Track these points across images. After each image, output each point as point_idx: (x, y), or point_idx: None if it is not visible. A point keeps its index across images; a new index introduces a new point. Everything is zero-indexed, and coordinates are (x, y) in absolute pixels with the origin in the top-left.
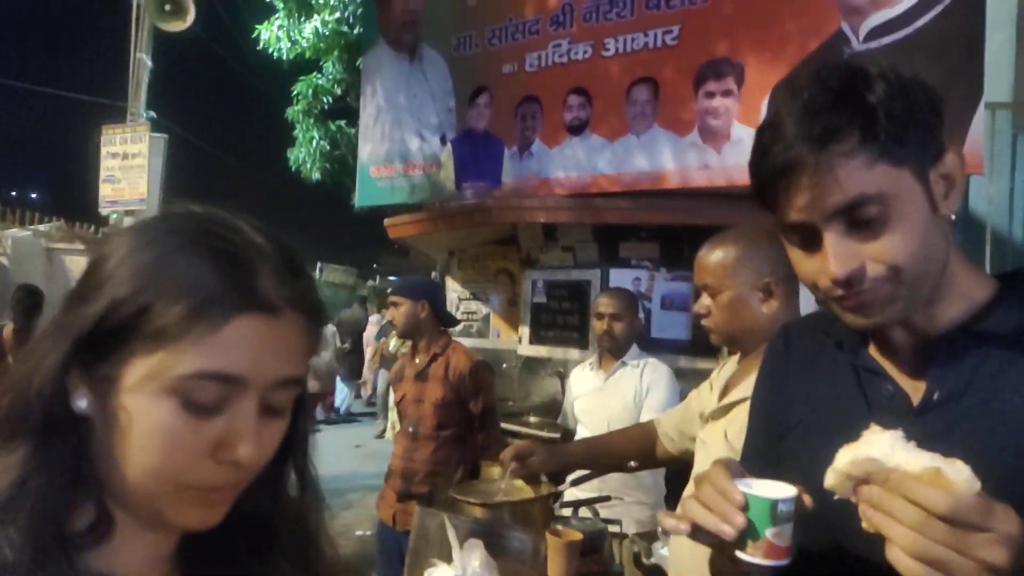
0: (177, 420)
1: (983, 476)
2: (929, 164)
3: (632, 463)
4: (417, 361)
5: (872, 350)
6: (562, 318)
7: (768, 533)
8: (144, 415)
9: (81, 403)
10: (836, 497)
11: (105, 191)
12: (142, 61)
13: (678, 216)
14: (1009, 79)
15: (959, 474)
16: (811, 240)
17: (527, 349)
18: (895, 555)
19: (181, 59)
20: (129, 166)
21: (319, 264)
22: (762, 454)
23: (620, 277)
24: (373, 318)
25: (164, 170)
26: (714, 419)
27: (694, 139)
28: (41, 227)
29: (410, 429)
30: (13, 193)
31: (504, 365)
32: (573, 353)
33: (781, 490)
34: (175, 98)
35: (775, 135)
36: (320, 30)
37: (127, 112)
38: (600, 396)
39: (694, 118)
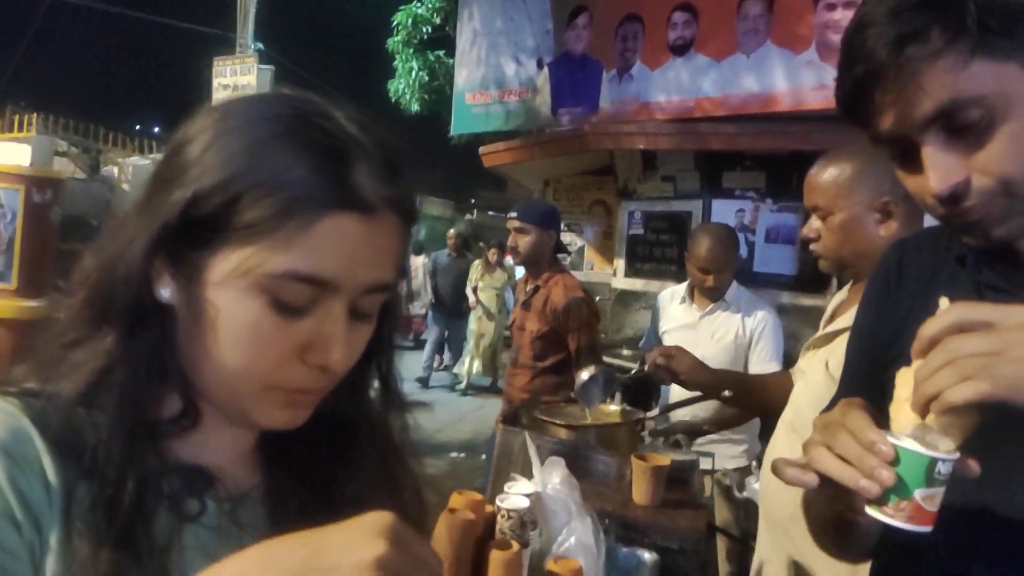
0: (265, 319)
1: None
2: None
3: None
4: (528, 288)
5: (998, 266)
6: (659, 251)
7: (918, 495)
8: (232, 311)
9: (164, 292)
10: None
11: None
12: None
13: (788, 142)
14: None
15: None
16: (911, 155)
17: (621, 282)
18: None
19: None
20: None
21: (417, 197)
22: (865, 384)
23: (723, 208)
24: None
25: None
26: (815, 347)
27: (811, 56)
28: (160, 156)
29: (513, 356)
30: (137, 127)
31: (597, 298)
32: (670, 287)
33: (939, 445)
34: (281, 30)
35: (856, 42)
36: None
37: (236, 44)
38: (692, 334)
39: (812, 33)
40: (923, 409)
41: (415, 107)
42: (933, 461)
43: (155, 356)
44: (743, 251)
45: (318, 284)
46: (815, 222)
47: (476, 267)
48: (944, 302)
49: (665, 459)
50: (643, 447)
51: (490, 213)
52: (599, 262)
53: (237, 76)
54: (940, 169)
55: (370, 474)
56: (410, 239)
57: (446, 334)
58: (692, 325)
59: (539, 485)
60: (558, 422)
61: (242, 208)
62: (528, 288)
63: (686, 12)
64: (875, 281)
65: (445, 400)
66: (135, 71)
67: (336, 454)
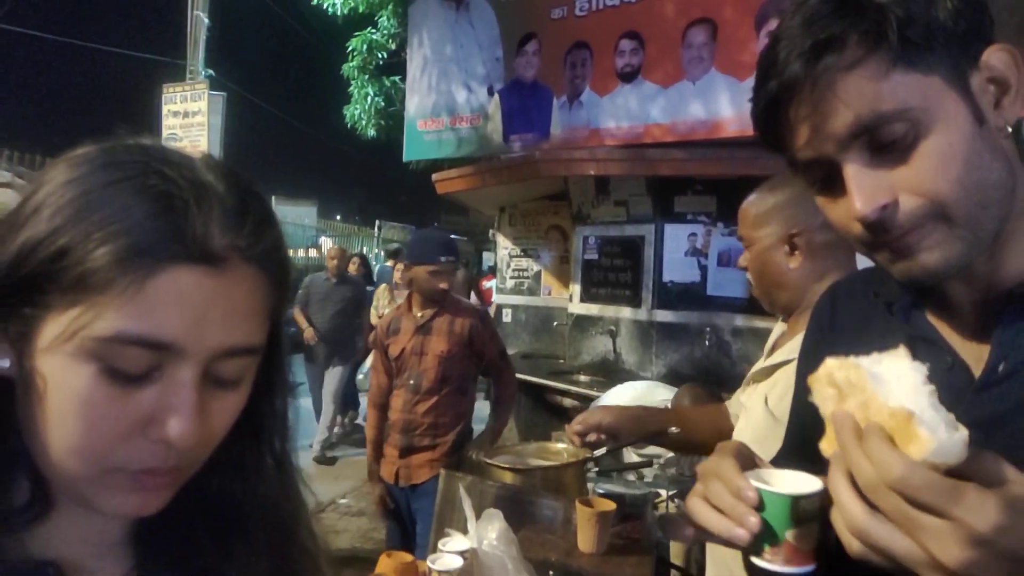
0: (97, 390)
1: None
2: (969, 67)
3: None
4: (419, 315)
5: (928, 313)
6: (614, 275)
7: (789, 535)
8: (60, 381)
9: (3, 363)
10: (808, 398)
11: None
12: (199, 19)
13: (736, 167)
14: None
15: (932, 431)
16: (831, 180)
17: (578, 307)
18: (835, 517)
19: (238, 16)
20: (190, 124)
21: (377, 222)
22: (804, 433)
23: (675, 232)
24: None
25: (223, 128)
26: (756, 381)
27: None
28: None
29: (411, 382)
30: None
31: (555, 323)
32: (625, 311)
33: (803, 483)
34: (233, 56)
35: (769, 57)
36: None
37: (187, 71)
38: None
39: (755, 60)
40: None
41: (372, 132)
42: (795, 499)
43: None
44: (696, 276)
45: (155, 348)
46: (745, 253)
47: (382, 293)
48: (901, 351)
49: (610, 504)
50: (595, 482)
51: (452, 237)
52: (556, 287)
53: (187, 103)
54: (865, 190)
55: (258, 565)
56: (282, 292)
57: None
58: None
59: (475, 541)
60: (502, 465)
61: (71, 262)
62: (420, 315)
63: (632, 40)
64: (810, 330)
65: (352, 459)
66: (84, 100)
67: (218, 542)
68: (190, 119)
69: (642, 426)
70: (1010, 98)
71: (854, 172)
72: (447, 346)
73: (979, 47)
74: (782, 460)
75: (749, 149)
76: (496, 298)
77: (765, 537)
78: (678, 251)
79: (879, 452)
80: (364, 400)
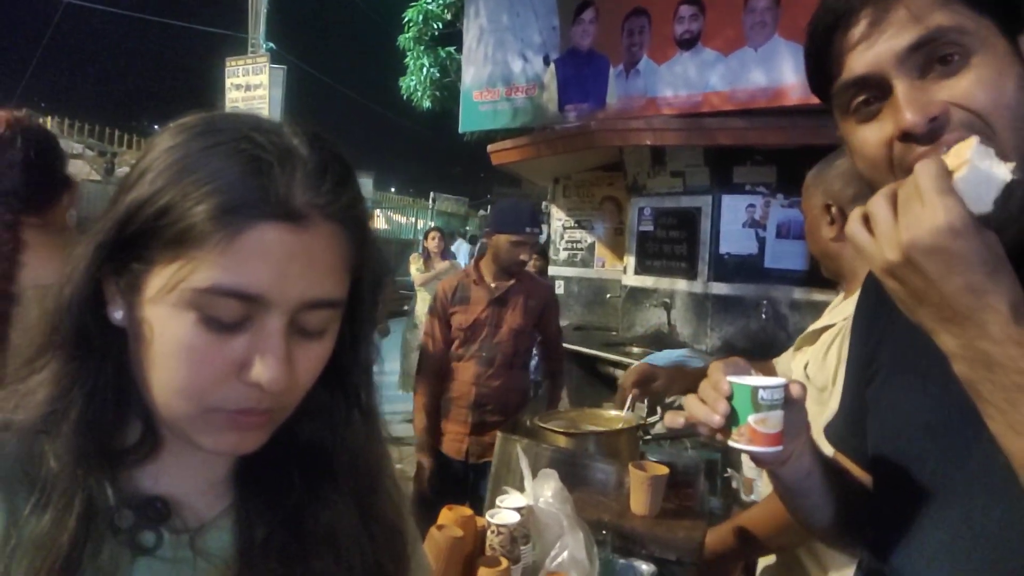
0: (196, 336)
1: None
2: (1017, 29)
3: None
4: (494, 285)
5: None
6: (669, 247)
7: (751, 419)
8: (163, 329)
9: (117, 314)
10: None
11: None
12: None
13: (797, 136)
14: None
15: (975, 157)
16: (872, 103)
17: (632, 279)
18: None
19: None
20: (252, 97)
21: (432, 194)
22: (853, 404)
23: (733, 203)
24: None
25: (284, 101)
26: (801, 347)
27: None
28: None
29: (484, 354)
30: (156, 127)
31: (608, 295)
32: (680, 284)
33: (771, 380)
34: (293, 29)
35: None
36: None
37: (248, 44)
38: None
39: None
40: None
41: (427, 104)
42: (755, 389)
43: (109, 381)
44: (753, 248)
45: (246, 299)
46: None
47: (415, 260)
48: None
49: (663, 468)
50: (647, 449)
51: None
52: (610, 259)
53: (249, 76)
54: (917, 102)
55: (344, 506)
56: (363, 249)
57: None
58: None
59: (531, 498)
60: (557, 429)
61: (170, 220)
62: (494, 285)
63: (693, 6)
64: (860, 301)
65: None
66: (149, 73)
67: (309, 484)
68: (252, 92)
69: (676, 379)
70: None
71: (906, 86)
72: (523, 320)
73: (1020, 20)
74: (835, 429)
75: (812, 117)
76: (551, 270)
77: (734, 420)
78: (736, 223)
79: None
80: None
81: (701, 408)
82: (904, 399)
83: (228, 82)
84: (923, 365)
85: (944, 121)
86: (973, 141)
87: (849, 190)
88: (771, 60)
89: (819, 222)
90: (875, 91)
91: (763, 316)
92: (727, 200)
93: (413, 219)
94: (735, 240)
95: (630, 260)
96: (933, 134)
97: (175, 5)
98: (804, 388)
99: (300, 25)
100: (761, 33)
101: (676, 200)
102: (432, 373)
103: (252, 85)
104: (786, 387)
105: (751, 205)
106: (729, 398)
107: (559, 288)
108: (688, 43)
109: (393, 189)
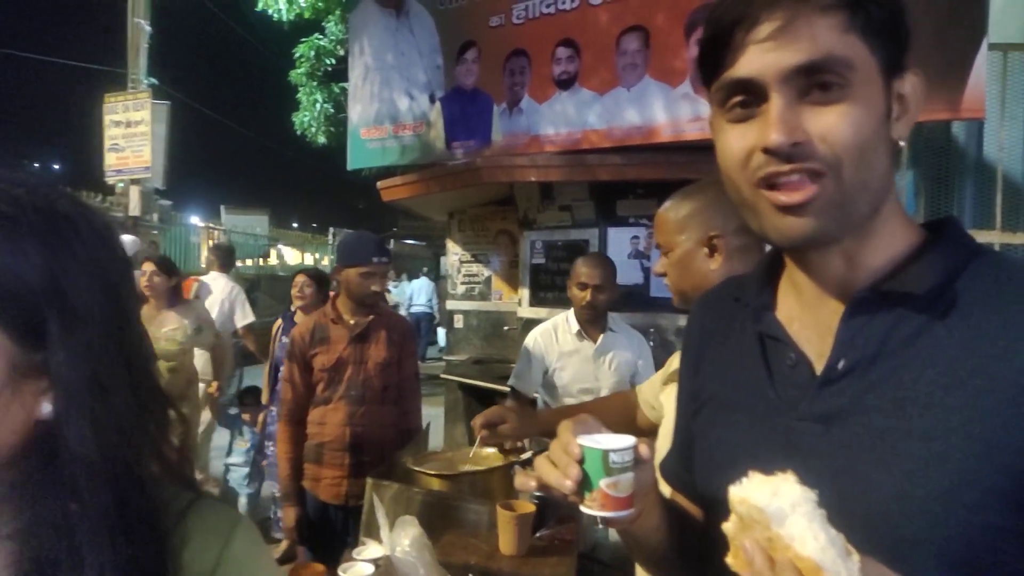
0: None
1: (887, 469)
2: (896, 71)
3: None
4: (352, 322)
5: (779, 311)
6: (561, 279)
7: (603, 484)
8: None
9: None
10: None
11: (110, 160)
12: (140, 26)
13: (672, 171)
14: None
15: None
16: (749, 109)
17: (527, 311)
18: None
19: (181, 23)
20: (132, 134)
21: (331, 229)
22: (684, 439)
23: (618, 236)
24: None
25: (168, 137)
26: (669, 381)
27: (686, 90)
28: None
29: (352, 393)
30: (36, 165)
31: (505, 328)
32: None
33: (620, 441)
34: (177, 64)
35: None
36: None
37: (128, 79)
38: (591, 367)
39: (686, 67)
40: None
41: (321, 139)
42: (605, 452)
43: None
44: (639, 278)
45: None
46: (663, 259)
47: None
48: (790, 476)
49: (529, 506)
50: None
51: (410, 242)
52: (507, 292)
53: (130, 112)
54: (788, 123)
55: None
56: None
57: None
58: (589, 358)
59: (389, 548)
60: (429, 472)
61: None
62: (353, 321)
63: (569, 48)
64: (686, 334)
65: None
66: (30, 111)
67: None
68: (133, 128)
69: (526, 423)
70: (904, 120)
71: (783, 105)
72: (387, 353)
73: (904, 59)
74: (669, 466)
75: (683, 153)
76: (448, 304)
77: (586, 485)
78: (621, 254)
79: None
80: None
81: (553, 473)
82: (725, 432)
83: (107, 119)
84: (741, 398)
85: (805, 149)
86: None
87: (732, 222)
88: (643, 100)
89: (694, 256)
90: (753, 96)
91: (651, 344)
92: (612, 232)
93: (312, 255)
94: (621, 271)
95: (524, 292)
96: (792, 157)
97: (50, 41)
98: (651, 447)
99: (187, 61)
100: (633, 74)
101: (565, 233)
102: (295, 420)
103: (133, 122)
104: (635, 448)
105: (635, 237)
106: (580, 461)
107: (458, 322)
108: (566, 83)
109: (296, 225)
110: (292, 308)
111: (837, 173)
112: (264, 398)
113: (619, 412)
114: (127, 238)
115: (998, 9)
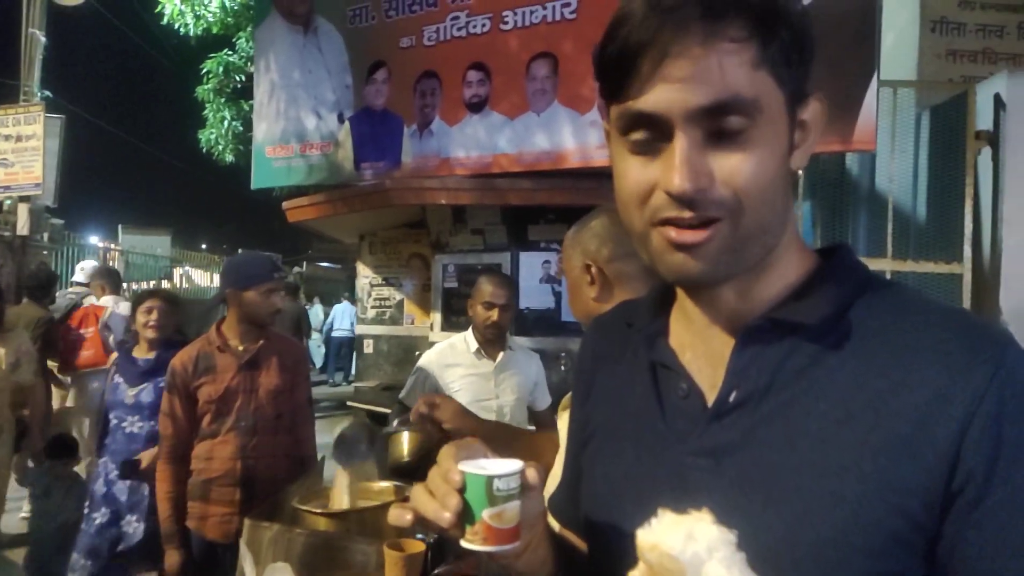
0: None
1: (776, 509)
2: (799, 102)
3: None
4: (241, 348)
5: (672, 339)
6: None
7: (486, 515)
8: None
9: None
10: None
11: None
12: (35, 37)
13: (580, 197)
14: (913, 58)
15: None
16: (652, 144)
17: (439, 335)
18: None
19: (80, 35)
20: (23, 148)
21: (240, 251)
22: (571, 469)
23: (530, 260)
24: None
25: (61, 152)
26: (565, 407)
27: (594, 117)
28: None
29: (242, 424)
30: None
31: (417, 352)
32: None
33: (506, 466)
34: (77, 78)
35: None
36: (227, 4)
37: (20, 91)
38: (489, 385)
39: (594, 95)
40: None
41: (229, 158)
42: (489, 479)
43: None
44: (550, 302)
45: None
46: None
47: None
48: (706, 515)
49: (419, 545)
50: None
51: (324, 265)
52: (419, 316)
53: (21, 126)
54: (691, 168)
55: None
56: None
57: None
58: (487, 376)
59: None
60: (314, 510)
61: None
62: (242, 348)
63: (479, 71)
64: (576, 361)
65: None
66: None
67: None
68: (24, 143)
69: (467, 423)
70: (804, 148)
71: (687, 146)
72: (280, 380)
73: (807, 86)
74: (557, 501)
75: (591, 179)
76: (357, 328)
77: (468, 517)
78: (533, 279)
79: None
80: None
81: (430, 504)
82: (611, 465)
83: None
84: (629, 429)
85: (708, 195)
86: None
87: (605, 250)
88: (552, 125)
89: (580, 283)
90: (657, 133)
91: (562, 368)
92: (524, 257)
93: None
94: (533, 295)
95: (436, 316)
96: (694, 204)
97: None
98: (540, 472)
99: (85, 74)
100: (542, 99)
101: (478, 257)
102: (176, 457)
103: (24, 136)
104: (522, 473)
105: (546, 261)
106: (461, 490)
107: (368, 347)
108: (477, 106)
109: (204, 246)
110: (127, 340)
111: (736, 219)
112: (89, 448)
113: (549, 448)
114: (87, 264)
115: (888, 48)
